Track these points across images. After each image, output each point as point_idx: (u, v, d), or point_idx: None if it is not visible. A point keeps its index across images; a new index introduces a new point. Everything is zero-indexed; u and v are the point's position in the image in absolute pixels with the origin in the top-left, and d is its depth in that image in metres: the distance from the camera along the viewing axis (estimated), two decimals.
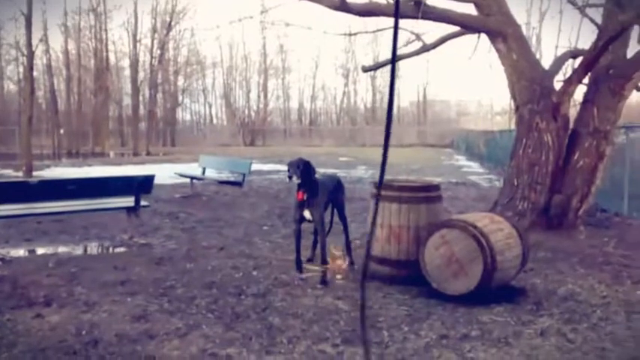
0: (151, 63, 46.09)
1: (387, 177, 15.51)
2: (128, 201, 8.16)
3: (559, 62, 10.65)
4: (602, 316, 5.04)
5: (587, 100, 9.42)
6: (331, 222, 7.07)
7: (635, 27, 9.61)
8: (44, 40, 43.72)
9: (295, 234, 6.28)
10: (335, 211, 6.97)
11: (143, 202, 8.37)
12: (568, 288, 5.93)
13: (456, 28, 10.53)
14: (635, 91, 10.12)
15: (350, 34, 14.72)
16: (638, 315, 5.08)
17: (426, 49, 10.92)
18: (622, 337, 4.54)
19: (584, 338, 4.52)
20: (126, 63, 48.84)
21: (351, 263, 6.75)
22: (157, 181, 8.68)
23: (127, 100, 49.40)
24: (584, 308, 5.27)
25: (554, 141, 9.11)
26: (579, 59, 9.72)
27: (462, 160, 30.55)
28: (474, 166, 25.83)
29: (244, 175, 13.09)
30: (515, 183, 9.33)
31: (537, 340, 4.48)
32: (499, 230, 5.63)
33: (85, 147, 43.44)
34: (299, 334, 4.50)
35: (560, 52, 11.13)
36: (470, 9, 9.95)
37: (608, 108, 9.14)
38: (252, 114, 57.22)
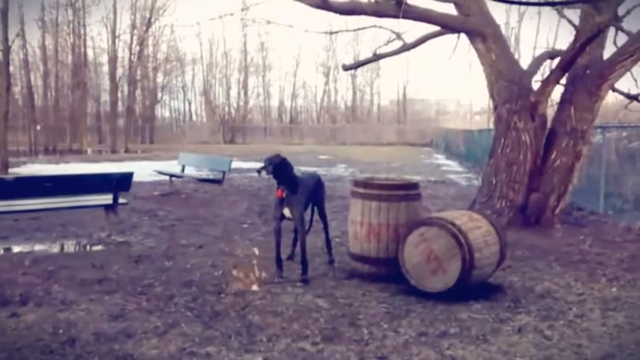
0: (129, 59, 45.64)
1: (367, 175, 15.56)
2: (106, 198, 8.09)
3: (537, 62, 10.77)
4: (578, 313, 5.11)
5: (564, 100, 9.54)
6: (311, 220, 7.07)
7: (612, 28, 9.75)
8: (21, 35, 42.94)
9: (275, 232, 6.27)
10: (315, 209, 6.97)
11: (121, 200, 8.30)
12: (545, 285, 6.00)
13: (436, 28, 10.59)
14: (611, 92, 10.27)
15: (331, 33, 14.71)
16: (613, 312, 5.17)
17: (406, 48, 10.97)
18: (597, 334, 4.61)
19: (560, 335, 4.58)
20: (104, 59, 48.25)
21: (331, 262, 6.76)
22: (135, 178, 8.61)
23: (105, 97, 48.82)
24: (561, 305, 5.34)
25: (531, 140, 9.21)
26: (557, 60, 9.83)
27: (441, 159, 30.73)
28: (453, 165, 26.00)
29: (224, 172, 13.03)
30: (494, 182, 9.42)
31: (515, 337, 4.53)
32: (477, 228, 5.68)
33: (62, 144, 42.90)
34: (279, 332, 4.50)
35: (538, 52, 11.26)
36: (450, 9, 10.02)
37: (585, 108, 9.26)
38: (233, 111, 56.96)
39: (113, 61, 44.48)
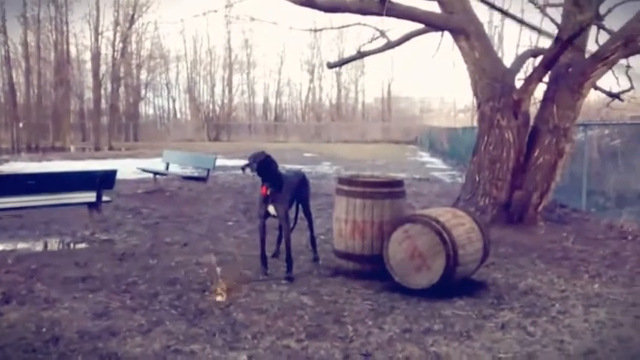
0: (113, 56, 45.28)
1: (352, 172, 15.58)
2: (89, 196, 8.03)
3: (520, 61, 10.84)
4: (560, 310, 5.16)
5: (547, 98, 9.62)
6: (296, 218, 7.07)
7: (593, 27, 9.84)
8: (2, 31, 42.57)
9: (260, 229, 6.26)
10: (300, 206, 6.97)
11: (105, 198, 8.25)
12: (528, 282, 6.06)
13: (420, 26, 10.62)
14: (593, 90, 10.37)
15: (315, 30, 14.72)
16: (595, 308, 5.23)
17: (390, 45, 10.98)
18: (580, 330, 4.67)
19: (543, 331, 4.62)
20: (87, 56, 47.83)
21: (316, 259, 6.77)
22: (119, 176, 8.56)
23: (89, 94, 48.39)
24: (544, 302, 5.39)
25: (514, 138, 9.27)
26: (540, 58, 9.90)
27: (425, 157, 30.87)
28: (438, 163, 26.12)
29: (208, 170, 12.99)
30: (477, 179, 9.48)
31: (498, 333, 4.57)
32: (461, 225, 5.72)
33: (45, 141, 42.45)
34: (263, 330, 4.50)
35: (521, 50, 11.33)
36: (434, 7, 10.05)
37: (568, 106, 9.34)
38: (217, 109, 56.75)
39: (96, 58, 44.13)
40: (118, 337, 4.29)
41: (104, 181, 8.04)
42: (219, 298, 5.03)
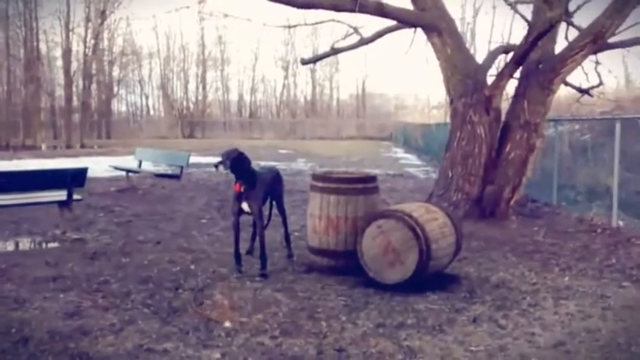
0: (84, 53, 44.62)
1: (326, 169, 15.58)
2: (60, 195, 7.92)
3: (492, 57, 10.95)
4: (531, 303, 5.24)
5: (518, 93, 9.74)
6: (270, 214, 7.07)
7: (563, 23, 9.98)
8: None
9: (234, 227, 6.24)
10: (274, 203, 6.96)
11: (76, 196, 8.14)
12: (500, 276, 6.13)
13: (392, 22, 10.65)
14: (563, 86, 10.52)
15: (289, 27, 14.66)
16: (565, 300, 5.31)
17: (363, 42, 11.00)
18: (550, 322, 4.74)
19: (514, 324, 4.69)
20: (58, 53, 47.10)
21: (290, 256, 6.77)
22: (91, 174, 8.46)
23: (60, 91, 47.70)
24: (515, 295, 5.46)
25: (486, 133, 9.37)
26: (511, 54, 10.01)
27: (400, 153, 31.03)
28: (412, 159, 26.28)
29: (182, 167, 12.89)
30: (450, 174, 9.56)
31: (470, 326, 4.61)
32: (434, 219, 5.76)
33: (15, 139, 41.63)
34: (237, 327, 4.49)
35: (493, 47, 11.45)
36: (406, 3, 10.10)
37: (538, 101, 9.46)
38: (191, 106, 56.32)
39: (67, 54, 43.46)
40: (89, 337, 4.24)
41: (75, 179, 7.93)
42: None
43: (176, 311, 4.84)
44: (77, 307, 4.90)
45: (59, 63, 47.28)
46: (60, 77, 47.31)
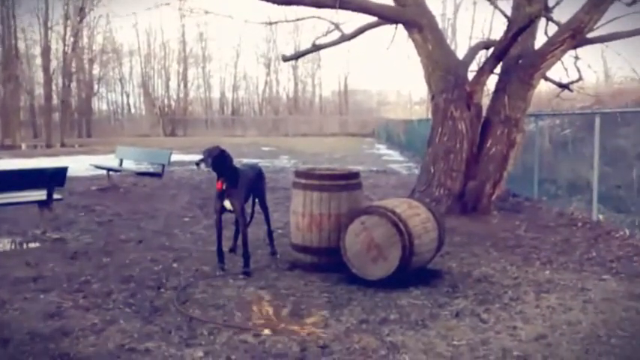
0: (64, 51, 44.07)
1: (309, 166, 15.56)
2: (40, 194, 7.83)
3: (472, 52, 11.00)
4: (513, 296, 5.28)
5: (498, 89, 9.79)
6: (252, 212, 7.05)
7: (542, 19, 10.05)
8: None
9: (216, 225, 6.21)
10: (256, 200, 6.94)
11: (56, 196, 8.05)
12: (482, 270, 6.17)
13: (374, 18, 10.66)
14: (543, 81, 10.61)
15: (270, 23, 14.60)
16: (546, 294, 5.36)
17: (344, 38, 11.00)
18: (531, 316, 4.78)
19: (496, 318, 4.72)
20: (37, 51, 46.57)
21: (274, 253, 6.75)
22: (72, 173, 8.37)
23: (39, 90, 47.13)
24: (497, 289, 5.50)
25: (468, 129, 9.42)
26: (491, 50, 10.07)
27: (382, 149, 31.10)
28: (395, 155, 26.35)
29: (164, 165, 12.80)
30: (432, 170, 9.60)
31: (453, 321, 4.64)
32: (416, 215, 5.78)
33: None
34: (220, 326, 4.47)
35: (473, 43, 11.50)
36: (387, 0, 10.10)
37: (519, 97, 9.52)
38: (172, 103, 55.99)
39: (46, 52, 42.91)
40: (70, 337, 4.19)
41: (54, 178, 7.84)
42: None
43: (158, 310, 4.80)
44: (58, 307, 4.85)
45: (38, 61, 46.74)
46: (39, 76, 46.78)
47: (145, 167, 15.93)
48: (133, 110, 60.37)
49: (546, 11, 9.81)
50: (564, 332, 4.40)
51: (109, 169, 13.58)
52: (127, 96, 59.18)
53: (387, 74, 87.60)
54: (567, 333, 4.39)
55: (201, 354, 3.95)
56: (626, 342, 4.22)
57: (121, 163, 13.97)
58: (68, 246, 7.23)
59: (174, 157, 14.55)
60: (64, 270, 6.01)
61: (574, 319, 4.69)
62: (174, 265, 6.26)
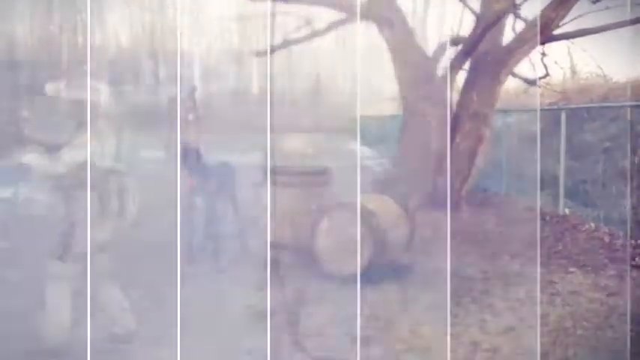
0: None
1: (281, 163, 15.38)
2: None
3: (442, 49, 11.05)
4: (482, 290, 5.35)
5: (467, 85, 9.84)
6: (224, 210, 7.01)
7: (510, 15, 10.14)
8: None
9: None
10: (228, 199, 6.90)
11: None
12: (452, 265, 6.22)
13: (344, 15, 10.66)
14: (511, 77, 10.71)
15: (240, 19, 14.51)
16: (514, 287, 5.44)
17: (315, 34, 10.98)
18: (500, 309, 4.85)
19: (466, 311, 4.78)
20: None
21: (245, 251, 6.71)
22: None
23: None
24: (467, 283, 5.57)
25: (437, 125, 9.47)
26: (461, 46, 10.13)
27: (355, 145, 31.06)
28: (366, 151, 26.33)
29: None
30: (403, 166, 9.64)
31: (423, 315, 4.68)
32: (388, 211, 5.82)
33: None
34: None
35: (443, 39, 11.56)
36: None
37: (487, 93, 9.59)
38: None
39: None
40: None
41: None
42: None
43: None
44: None
45: None
46: None
47: None
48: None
49: (514, 8, 9.90)
50: (532, 325, 4.48)
51: None
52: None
53: (359, 70, 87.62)
54: (535, 325, 4.47)
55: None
56: (591, 333, 4.32)
57: None
58: None
59: None
60: None
61: (542, 311, 4.77)
62: None
